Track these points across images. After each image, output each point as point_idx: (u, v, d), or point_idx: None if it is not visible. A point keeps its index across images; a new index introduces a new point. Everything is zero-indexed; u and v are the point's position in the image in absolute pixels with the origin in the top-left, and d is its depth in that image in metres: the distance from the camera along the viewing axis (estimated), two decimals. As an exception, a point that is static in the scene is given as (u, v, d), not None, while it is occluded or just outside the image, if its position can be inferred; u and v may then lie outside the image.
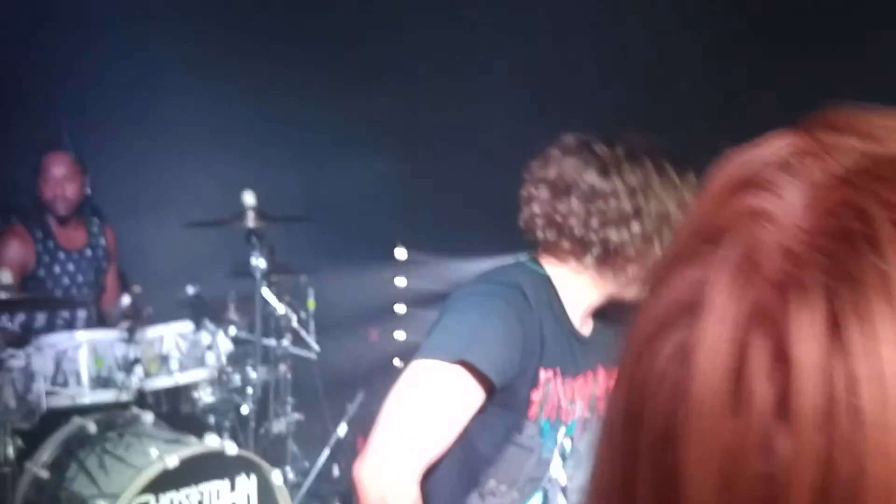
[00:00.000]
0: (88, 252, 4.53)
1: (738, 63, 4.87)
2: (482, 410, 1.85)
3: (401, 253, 5.24)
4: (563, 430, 2.02)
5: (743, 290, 0.42)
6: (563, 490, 2.03)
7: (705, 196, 0.47)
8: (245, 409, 4.14)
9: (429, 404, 1.78)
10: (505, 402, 1.87)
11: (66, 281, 4.44)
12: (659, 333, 0.45)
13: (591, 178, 1.87)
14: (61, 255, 4.44)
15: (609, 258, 1.90)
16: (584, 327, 2.02)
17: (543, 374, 1.92)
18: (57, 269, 4.41)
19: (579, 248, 1.91)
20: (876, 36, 4.35)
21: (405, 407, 1.77)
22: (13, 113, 4.84)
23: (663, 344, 0.44)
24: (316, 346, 4.60)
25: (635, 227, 1.85)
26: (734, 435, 0.41)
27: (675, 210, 1.84)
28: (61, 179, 4.38)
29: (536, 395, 1.91)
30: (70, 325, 4.31)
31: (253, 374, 4.20)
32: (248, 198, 4.19)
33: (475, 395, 1.80)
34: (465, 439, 1.90)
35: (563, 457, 2.03)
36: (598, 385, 2.06)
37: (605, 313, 2.03)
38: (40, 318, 4.30)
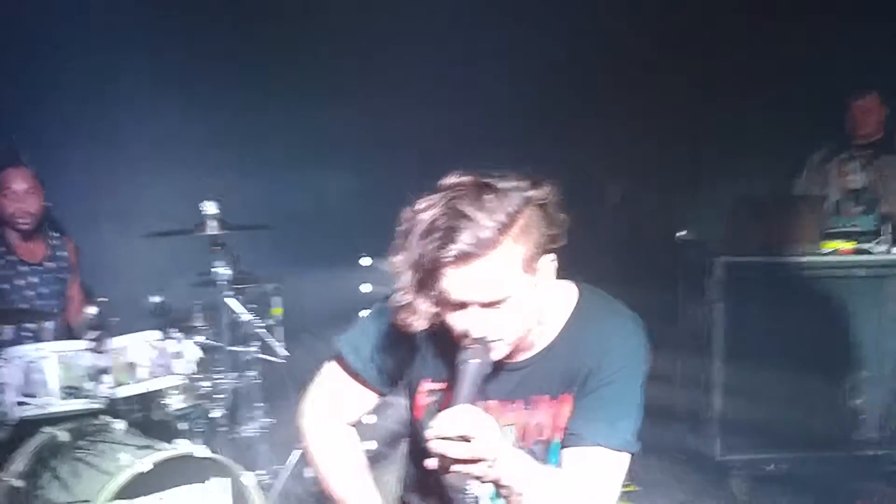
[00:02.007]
0: (50, 264, 4.52)
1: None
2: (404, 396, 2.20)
3: (365, 260, 5.27)
4: None
5: None
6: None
7: None
8: (216, 415, 4.16)
9: (331, 372, 2.22)
10: (406, 396, 2.18)
11: (29, 293, 4.43)
12: None
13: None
14: (23, 269, 4.43)
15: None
16: (516, 354, 1.99)
17: (428, 385, 2.11)
18: (20, 282, 4.40)
19: None
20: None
21: (324, 372, 2.23)
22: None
23: None
24: (283, 352, 4.61)
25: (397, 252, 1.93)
26: None
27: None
28: (22, 194, 4.37)
29: (421, 401, 2.13)
30: (37, 338, 4.29)
31: (222, 380, 4.22)
32: (210, 207, 4.22)
33: (351, 375, 2.17)
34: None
35: None
36: (534, 414, 2.03)
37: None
38: (7, 331, 4.28)
